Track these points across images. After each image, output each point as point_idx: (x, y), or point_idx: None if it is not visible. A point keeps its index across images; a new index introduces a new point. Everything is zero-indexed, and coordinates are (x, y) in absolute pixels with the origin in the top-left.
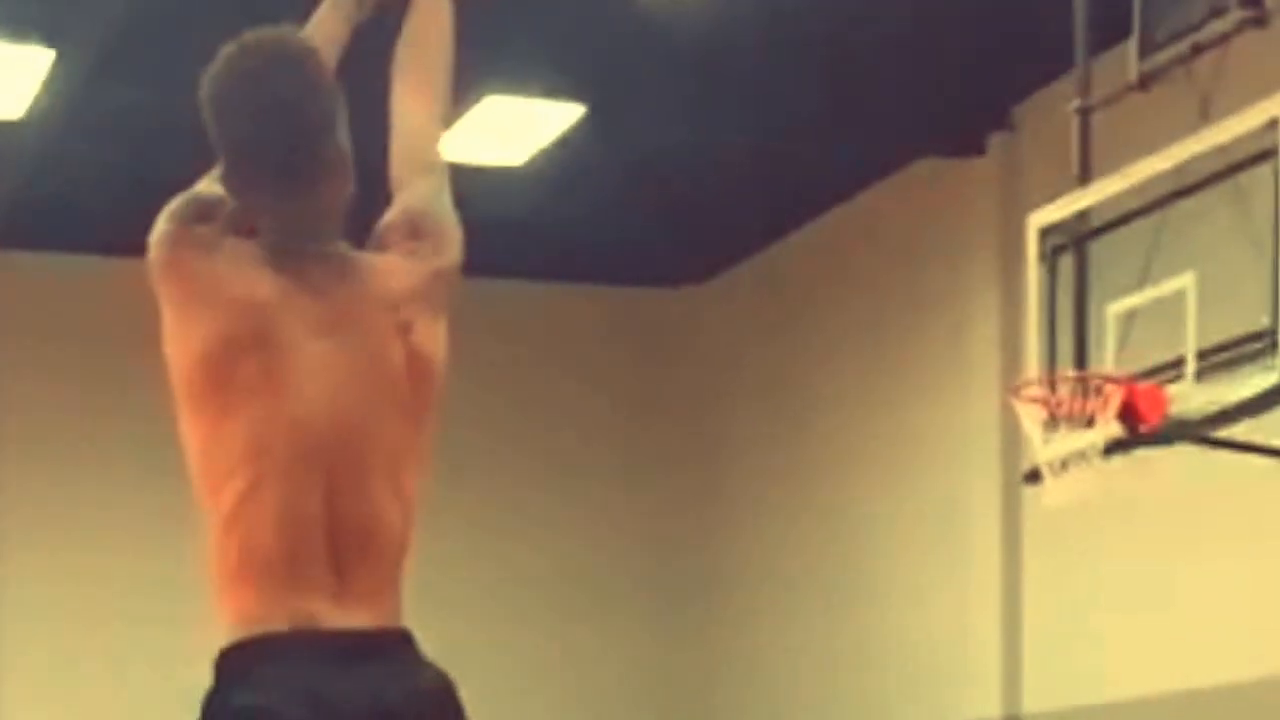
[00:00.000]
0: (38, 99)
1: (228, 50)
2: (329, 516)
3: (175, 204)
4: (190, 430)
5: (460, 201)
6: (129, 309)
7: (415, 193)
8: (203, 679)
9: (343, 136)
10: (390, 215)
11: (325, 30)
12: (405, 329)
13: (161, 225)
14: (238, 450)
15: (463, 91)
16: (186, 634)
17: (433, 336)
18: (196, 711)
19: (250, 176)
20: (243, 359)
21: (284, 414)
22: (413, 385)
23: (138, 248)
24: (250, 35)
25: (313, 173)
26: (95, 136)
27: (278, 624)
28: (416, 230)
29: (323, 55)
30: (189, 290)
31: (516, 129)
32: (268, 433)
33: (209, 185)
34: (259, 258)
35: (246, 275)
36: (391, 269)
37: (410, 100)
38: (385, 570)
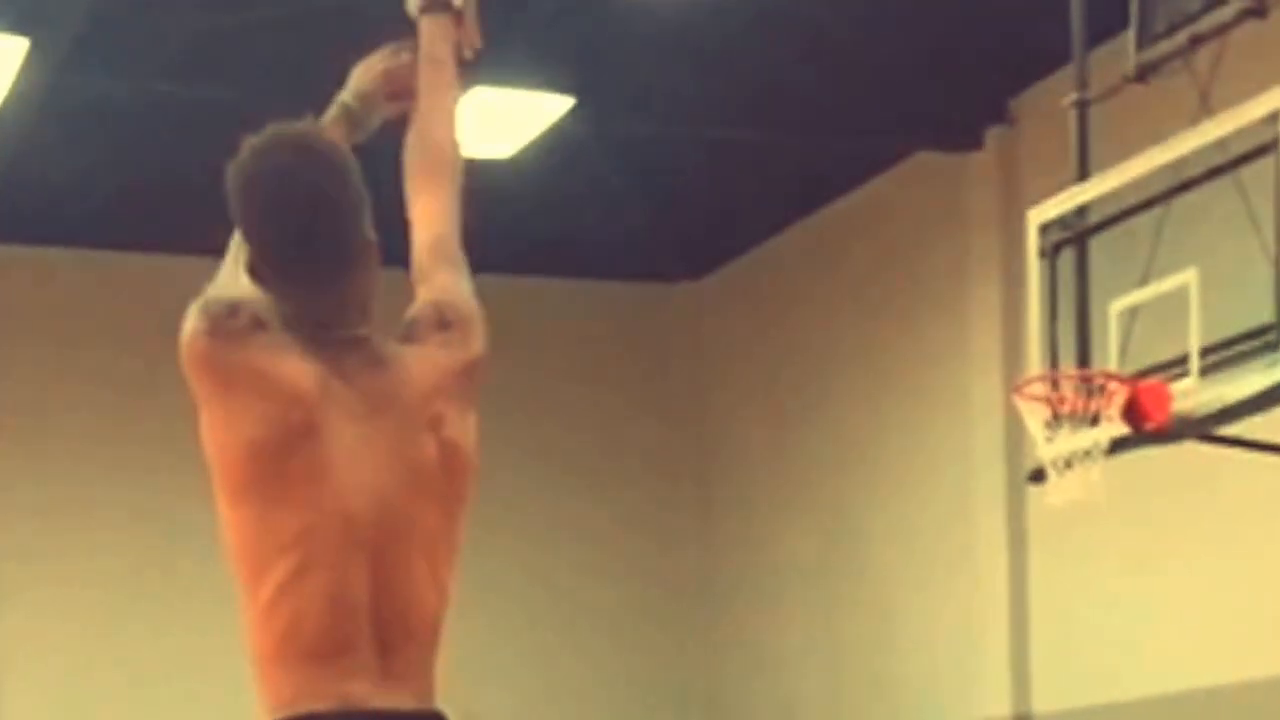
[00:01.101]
0: (11, 89)
1: (252, 142)
2: (373, 599)
3: (201, 301)
4: (232, 516)
5: None
6: (105, 301)
7: (439, 285)
8: (207, 683)
9: (369, 226)
10: (416, 308)
11: None
12: (437, 422)
13: (192, 323)
14: (283, 536)
15: None
16: (194, 639)
17: (464, 429)
18: (203, 714)
19: (281, 266)
20: (292, 449)
21: (328, 500)
22: (446, 477)
23: (114, 241)
24: (273, 128)
25: (343, 262)
26: (70, 127)
27: (322, 704)
28: (445, 321)
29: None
30: (230, 384)
31: (505, 121)
32: (313, 519)
33: (228, 281)
34: (293, 347)
35: (286, 365)
36: (422, 361)
37: (425, 197)
38: (424, 652)
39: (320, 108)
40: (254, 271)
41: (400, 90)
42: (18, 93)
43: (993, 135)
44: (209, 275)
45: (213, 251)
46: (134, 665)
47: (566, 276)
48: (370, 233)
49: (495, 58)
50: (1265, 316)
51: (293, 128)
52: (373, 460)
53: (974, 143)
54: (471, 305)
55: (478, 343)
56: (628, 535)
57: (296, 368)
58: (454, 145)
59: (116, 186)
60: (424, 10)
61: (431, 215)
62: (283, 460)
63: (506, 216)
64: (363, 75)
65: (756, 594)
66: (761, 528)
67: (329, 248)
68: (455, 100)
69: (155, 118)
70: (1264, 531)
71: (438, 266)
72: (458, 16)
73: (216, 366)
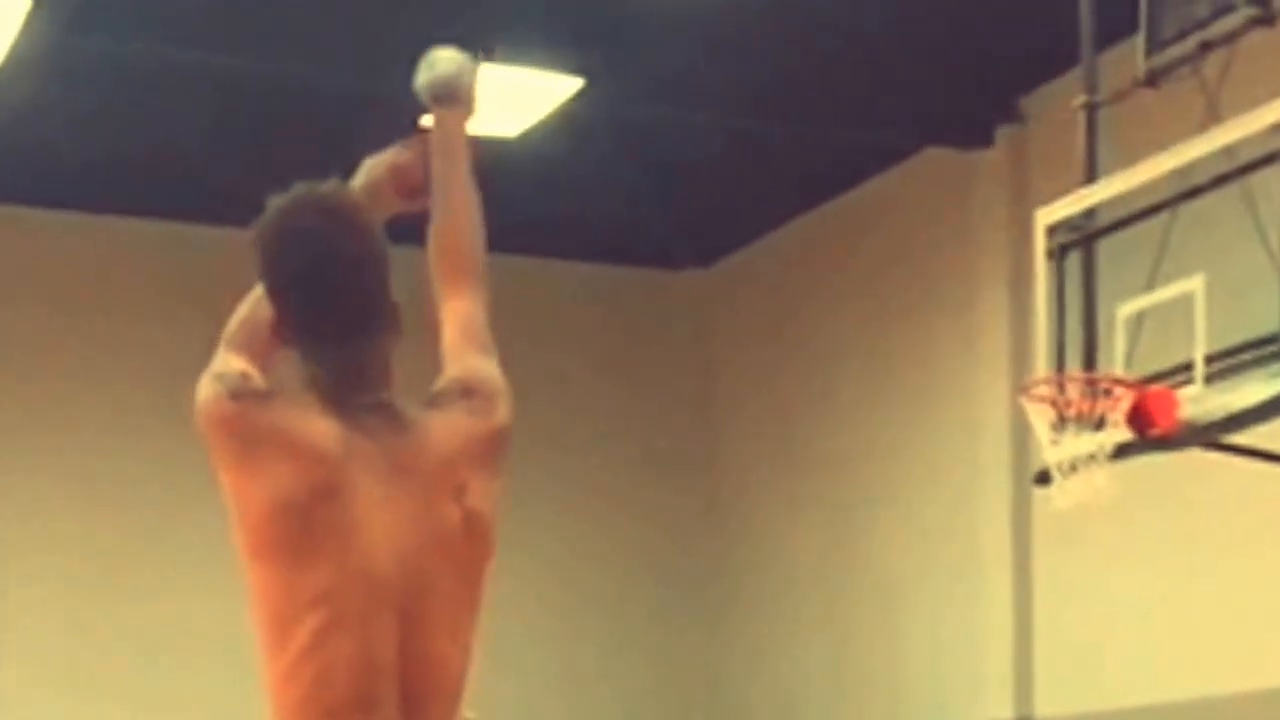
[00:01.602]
0: (14, 49)
1: (278, 203)
2: (398, 659)
3: (210, 374)
4: (255, 575)
5: None
6: (105, 266)
7: (467, 364)
8: (205, 650)
9: (391, 289)
10: (442, 380)
11: None
12: (460, 490)
13: (209, 389)
14: (308, 596)
15: None
16: (192, 605)
17: (487, 497)
18: (204, 684)
19: (303, 325)
20: (316, 508)
21: (353, 559)
22: (468, 544)
23: (115, 204)
24: (300, 188)
25: (365, 324)
26: (72, 88)
27: None
28: (469, 390)
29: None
30: (253, 444)
31: (512, 100)
32: (338, 578)
33: (228, 360)
34: (314, 407)
35: (309, 424)
36: (445, 427)
37: (453, 294)
38: (447, 712)
39: (324, 76)
40: (277, 330)
41: (410, 186)
42: (19, 53)
43: (1003, 134)
44: (208, 244)
45: (213, 219)
46: (131, 632)
47: (569, 259)
48: (392, 295)
49: (505, 36)
50: (1271, 325)
51: (318, 188)
52: (396, 521)
53: (984, 140)
54: (498, 380)
55: (503, 412)
56: (631, 526)
57: (319, 427)
58: (475, 239)
59: (118, 150)
60: (437, 101)
61: (460, 311)
62: (306, 519)
63: (510, 196)
64: (371, 170)
65: (760, 591)
66: (766, 524)
67: (351, 309)
68: (473, 192)
69: (158, 81)
70: (1268, 540)
71: (467, 350)
72: (471, 102)
73: (239, 427)
